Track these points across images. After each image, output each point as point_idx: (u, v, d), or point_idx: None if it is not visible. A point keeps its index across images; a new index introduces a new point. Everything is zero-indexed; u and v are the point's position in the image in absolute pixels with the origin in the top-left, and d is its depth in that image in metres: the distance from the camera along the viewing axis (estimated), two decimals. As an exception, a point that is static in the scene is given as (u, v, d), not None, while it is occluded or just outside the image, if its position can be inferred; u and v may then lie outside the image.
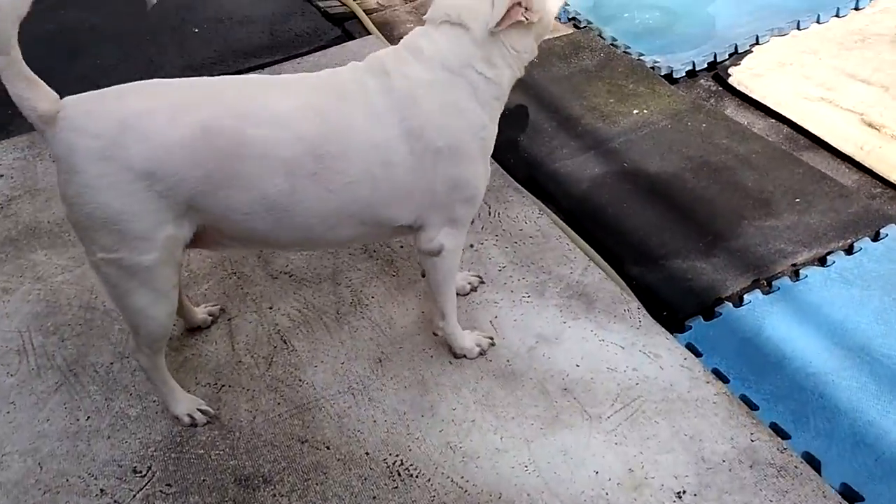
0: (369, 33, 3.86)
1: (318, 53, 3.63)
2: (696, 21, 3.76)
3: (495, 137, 1.77)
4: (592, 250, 2.44)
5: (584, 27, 3.85)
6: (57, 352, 2.12)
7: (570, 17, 3.97)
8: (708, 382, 1.98)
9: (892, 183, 2.73)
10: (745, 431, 1.86)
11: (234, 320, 2.20)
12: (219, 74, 3.56)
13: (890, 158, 2.77)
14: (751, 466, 1.79)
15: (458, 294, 2.13)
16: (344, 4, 4.24)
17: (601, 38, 3.73)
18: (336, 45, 3.72)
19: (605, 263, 2.40)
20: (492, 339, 2.13)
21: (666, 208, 2.65)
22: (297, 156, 1.56)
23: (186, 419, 1.88)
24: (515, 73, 1.70)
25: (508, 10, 1.56)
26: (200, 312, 2.16)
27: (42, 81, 1.45)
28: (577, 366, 2.06)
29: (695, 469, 1.79)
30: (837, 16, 3.64)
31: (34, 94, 1.43)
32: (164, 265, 1.60)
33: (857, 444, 1.87)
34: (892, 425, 1.90)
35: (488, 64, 1.64)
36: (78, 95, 1.51)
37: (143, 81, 1.59)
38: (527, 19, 1.60)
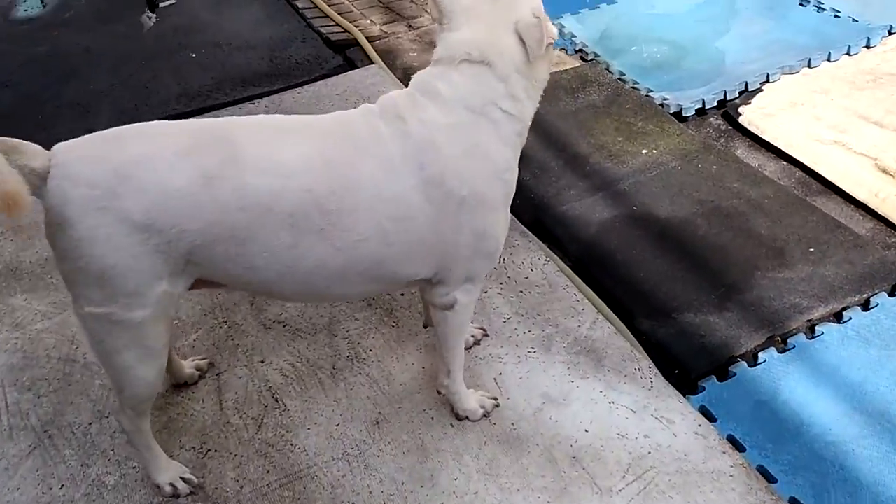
0: (372, 62, 3.79)
1: (319, 83, 3.56)
2: (706, 57, 3.69)
3: (516, 179, 1.68)
4: (601, 302, 2.35)
5: (592, 60, 3.78)
6: (32, 410, 2.01)
7: (577, 49, 3.90)
8: (724, 452, 1.89)
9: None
10: (762, 499, 1.77)
11: (223, 375, 2.10)
12: (216, 102, 3.54)
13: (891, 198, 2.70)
14: (770, 549, 1.70)
15: None
16: (346, 31, 4.18)
17: (609, 72, 3.66)
18: (338, 73, 3.64)
19: (615, 317, 2.31)
20: (496, 399, 2.03)
21: (677, 256, 2.57)
22: (303, 209, 1.46)
23: (168, 489, 1.77)
24: (536, 104, 1.63)
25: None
26: (188, 367, 2.06)
27: (26, 142, 1.36)
28: (587, 431, 1.96)
29: (711, 550, 1.70)
30: (849, 54, 3.58)
31: (24, 157, 1.34)
32: (156, 322, 1.51)
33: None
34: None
35: (512, 99, 1.56)
36: (71, 141, 1.42)
37: (141, 123, 1.51)
38: (552, 41, 1.56)
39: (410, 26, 4.29)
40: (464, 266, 1.67)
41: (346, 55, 3.97)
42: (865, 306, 2.34)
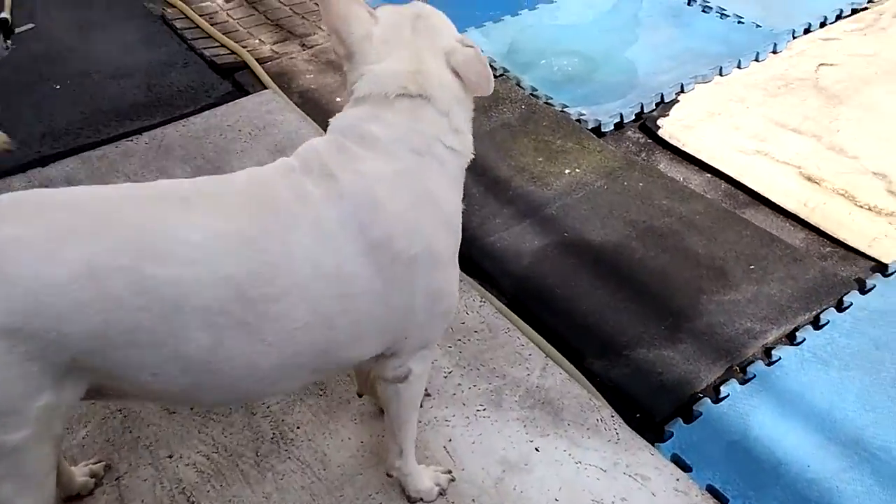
0: (265, 86, 3.47)
1: (207, 112, 3.21)
2: (617, 68, 3.62)
3: None
4: (549, 345, 2.16)
5: (502, 75, 3.63)
6: None
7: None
8: (708, 510, 1.74)
9: (839, 241, 2.63)
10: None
11: (125, 479, 1.75)
12: (88, 141, 3.10)
13: (835, 215, 2.68)
14: None
15: None
16: (233, 53, 3.83)
17: (520, 87, 3.52)
18: (227, 101, 3.30)
19: (566, 360, 2.12)
20: (450, 472, 1.79)
21: (618, 285, 2.42)
22: (220, 302, 1.18)
23: None
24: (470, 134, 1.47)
25: None
26: (79, 474, 1.70)
27: None
28: (556, 500, 1.76)
29: None
30: (757, 60, 3.60)
31: None
32: (39, 444, 1.19)
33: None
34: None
35: (456, 133, 1.40)
36: None
37: (11, 195, 1.19)
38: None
39: (304, 45, 3.99)
40: (419, 333, 1.44)
41: (235, 80, 3.63)
42: (816, 324, 2.27)
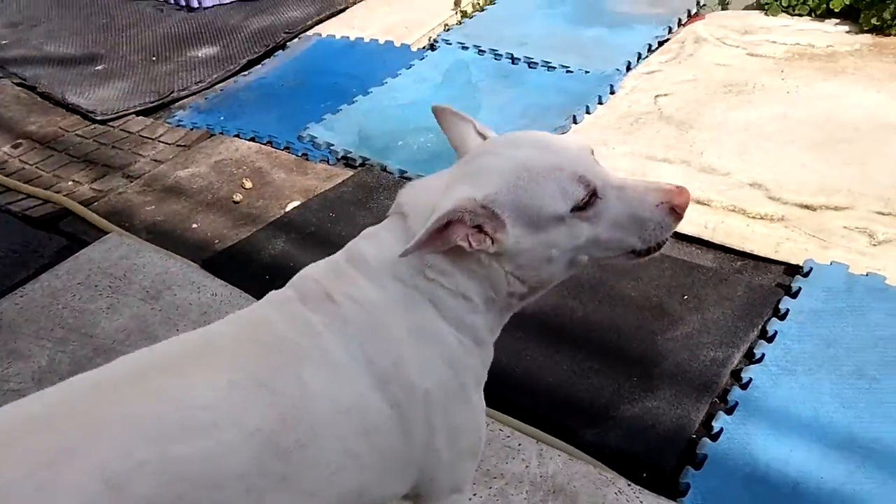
0: (104, 231, 3.20)
1: (46, 275, 2.88)
2: (479, 135, 3.77)
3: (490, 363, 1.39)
4: (535, 430, 2.13)
5: (362, 165, 3.65)
6: None
7: (338, 157, 3.74)
8: (763, 552, 1.76)
9: (748, 253, 2.88)
10: None
11: None
12: None
13: (735, 230, 2.94)
14: None
15: None
16: (48, 201, 3.52)
17: (387, 172, 3.55)
18: (66, 257, 2.99)
19: (560, 441, 2.10)
20: None
21: (574, 348, 2.46)
22: (257, 461, 1.09)
23: None
24: (491, 291, 1.28)
25: (441, 230, 1.18)
26: None
27: None
28: None
29: None
30: (601, 103, 3.93)
31: None
32: None
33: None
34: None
35: (439, 271, 1.25)
36: None
37: None
38: (474, 248, 1.21)
39: (128, 176, 3.77)
40: (447, 473, 1.36)
41: (60, 229, 3.33)
42: (766, 337, 2.44)
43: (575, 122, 3.77)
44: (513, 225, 1.22)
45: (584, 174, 1.22)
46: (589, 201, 1.22)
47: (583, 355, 2.43)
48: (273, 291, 1.31)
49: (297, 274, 1.33)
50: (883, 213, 2.91)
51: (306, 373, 1.18)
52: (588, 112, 3.85)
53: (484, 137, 1.39)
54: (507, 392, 2.33)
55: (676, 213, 1.25)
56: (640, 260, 1.32)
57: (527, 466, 2.01)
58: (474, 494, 1.94)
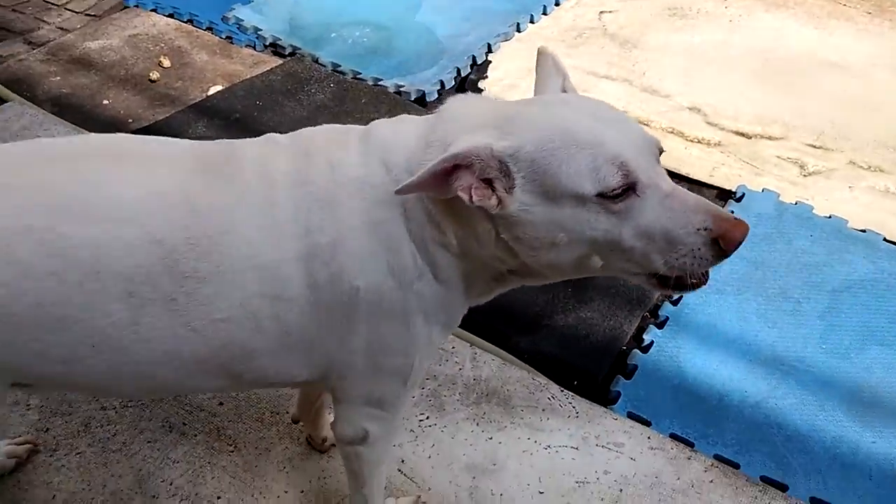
0: (2, 98, 2.90)
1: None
2: (416, 35, 3.60)
3: (456, 310, 1.28)
4: (469, 333, 2.09)
5: (293, 54, 3.43)
6: None
7: (266, 44, 3.51)
8: (688, 459, 1.80)
9: (684, 176, 2.89)
10: (751, 495, 1.73)
11: None
12: None
13: (673, 152, 2.93)
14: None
15: None
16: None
17: (320, 64, 3.36)
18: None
19: (493, 346, 2.07)
20: (419, 497, 1.67)
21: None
22: (146, 269, 1.08)
23: None
24: (474, 244, 1.14)
25: (446, 173, 1.04)
26: None
27: None
28: (541, 493, 1.71)
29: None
30: (545, 13, 3.81)
31: None
32: None
33: (846, 467, 1.88)
34: (858, 435, 1.95)
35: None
36: None
37: None
38: (474, 202, 1.05)
39: (30, 42, 3.42)
40: (362, 382, 1.27)
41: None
42: (697, 257, 2.47)
43: (518, 30, 3.65)
44: (524, 189, 1.05)
45: (629, 162, 1.02)
46: (623, 194, 1.03)
47: (519, 263, 2.40)
48: (274, 134, 1.24)
49: (311, 128, 1.23)
50: (815, 146, 2.97)
51: (240, 212, 1.11)
52: (532, 22, 3.74)
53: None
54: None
55: (720, 247, 1.03)
56: (666, 291, 1.15)
57: (460, 369, 1.98)
58: (405, 393, 1.90)
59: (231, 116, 2.95)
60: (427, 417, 1.85)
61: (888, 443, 1.93)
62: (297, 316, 1.15)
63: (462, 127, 1.10)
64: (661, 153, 1.12)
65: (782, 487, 1.80)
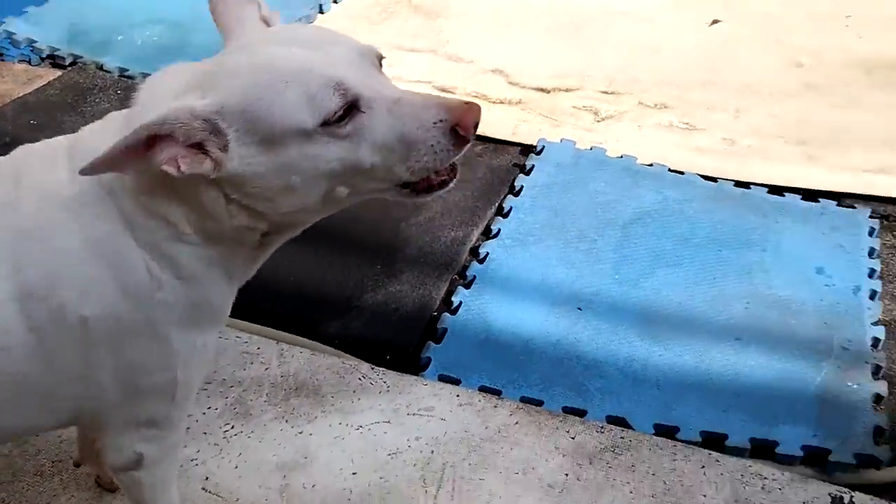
0: None
1: None
2: (212, 29, 3.47)
3: (220, 300, 1.19)
4: (273, 330, 2.05)
5: (74, 63, 3.24)
6: None
7: (43, 56, 3.29)
8: (495, 407, 1.85)
9: (487, 137, 2.94)
10: (561, 434, 1.79)
11: None
12: None
13: (476, 116, 2.98)
14: (590, 462, 1.74)
15: None
16: None
17: (104, 71, 3.19)
18: None
19: (300, 338, 2.04)
20: (224, 509, 1.62)
21: (315, 245, 2.38)
22: None
23: None
24: (209, 221, 1.06)
25: (141, 149, 0.95)
26: None
27: None
28: (355, 474, 1.71)
29: (551, 500, 1.66)
30: (344, -8, 3.79)
31: None
32: None
33: (637, 382, 1.99)
34: (647, 351, 2.07)
35: (136, 184, 1.04)
36: None
37: None
38: (184, 173, 0.97)
39: None
40: (122, 410, 1.18)
41: None
42: (503, 213, 2.53)
43: (321, 11, 3.62)
44: (239, 142, 0.98)
45: (344, 80, 0.97)
46: (346, 114, 0.97)
47: (325, 250, 2.37)
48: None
49: (27, 146, 1.13)
50: (607, 93, 3.10)
51: None
52: (336, 2, 3.70)
53: (269, 26, 1.16)
54: (246, 297, 2.22)
55: (460, 135, 1.00)
56: (421, 199, 1.11)
57: (266, 369, 1.94)
58: (209, 408, 1.83)
59: (1, 141, 2.74)
60: (231, 427, 1.80)
61: (672, 353, 2.06)
62: (24, 366, 1.05)
63: (164, 98, 1.00)
64: (381, 61, 1.09)
65: (581, 413, 1.90)
